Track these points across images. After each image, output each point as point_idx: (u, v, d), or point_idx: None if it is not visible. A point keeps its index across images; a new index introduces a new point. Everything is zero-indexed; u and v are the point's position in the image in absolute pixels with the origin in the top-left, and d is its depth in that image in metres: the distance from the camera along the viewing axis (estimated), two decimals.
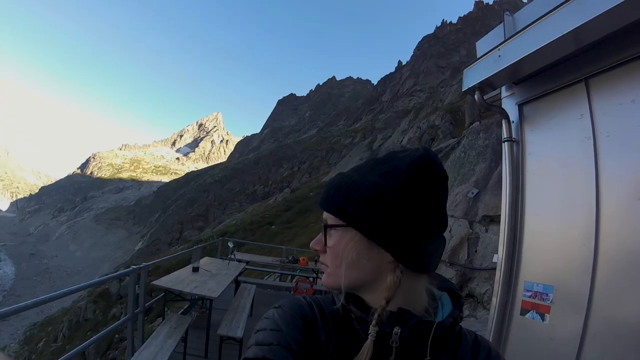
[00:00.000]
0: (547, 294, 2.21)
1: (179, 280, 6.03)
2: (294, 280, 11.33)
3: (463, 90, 2.80)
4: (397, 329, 0.77)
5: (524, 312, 2.36)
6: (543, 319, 2.20)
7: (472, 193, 7.17)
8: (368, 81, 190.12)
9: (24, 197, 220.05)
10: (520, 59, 2.15)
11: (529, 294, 2.35)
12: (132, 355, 4.39)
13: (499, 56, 2.34)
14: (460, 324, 0.87)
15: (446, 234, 7.16)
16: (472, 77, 2.67)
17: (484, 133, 7.86)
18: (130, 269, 5.12)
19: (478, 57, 2.65)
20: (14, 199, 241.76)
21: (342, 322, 0.85)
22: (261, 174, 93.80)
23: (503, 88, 2.84)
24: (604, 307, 1.87)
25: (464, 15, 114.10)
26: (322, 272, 0.86)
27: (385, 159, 0.84)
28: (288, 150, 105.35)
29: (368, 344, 0.76)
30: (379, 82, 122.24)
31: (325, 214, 0.84)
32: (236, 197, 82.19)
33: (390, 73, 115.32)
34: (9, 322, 43.93)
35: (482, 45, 2.88)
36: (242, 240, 20.51)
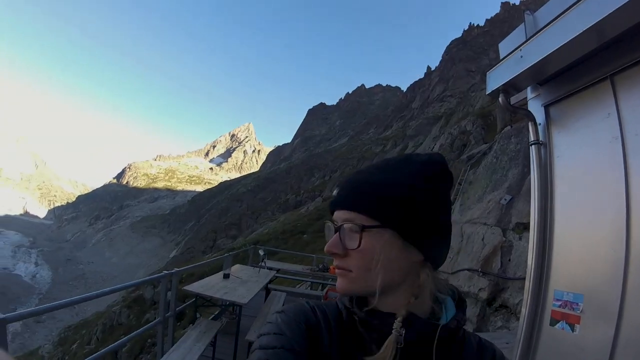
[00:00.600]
0: (576, 303, 2.12)
1: (209, 286, 6.16)
2: (324, 289, 11.28)
3: (487, 93, 2.75)
4: (402, 330, 0.78)
5: (553, 322, 2.26)
6: (573, 329, 2.10)
7: (505, 200, 6.98)
8: (397, 88, 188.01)
9: (62, 205, 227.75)
10: (542, 59, 2.08)
11: (559, 303, 2.25)
12: (162, 357, 4.49)
13: (521, 57, 2.28)
14: (463, 327, 0.88)
15: (479, 242, 6.97)
16: (495, 79, 2.62)
17: (515, 137, 7.66)
18: (162, 274, 5.30)
19: (501, 59, 2.60)
20: (52, 207, 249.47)
21: (345, 326, 0.86)
22: (293, 183, 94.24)
23: (529, 89, 2.76)
24: (635, 315, 1.77)
25: (491, 17, 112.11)
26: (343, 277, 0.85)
27: (408, 160, 0.87)
28: (319, 159, 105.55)
29: (391, 340, 0.77)
30: (408, 88, 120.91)
31: (350, 215, 0.82)
32: (268, 206, 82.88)
33: (420, 79, 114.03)
34: (44, 324, 45.51)
35: (504, 46, 2.81)
36: (274, 249, 20.60)
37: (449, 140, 26.42)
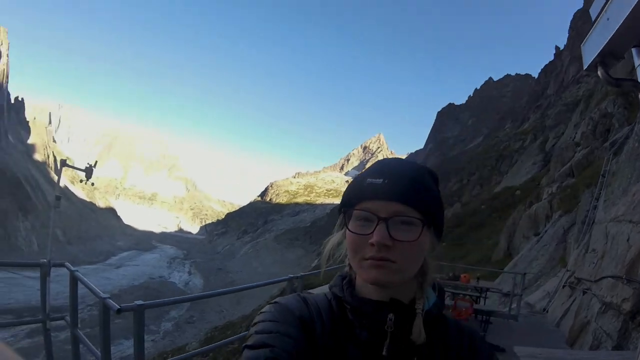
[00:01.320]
0: None
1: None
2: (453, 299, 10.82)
3: (585, 68, 2.31)
4: (391, 315, 0.86)
5: None
6: None
7: None
8: (528, 75, 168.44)
9: (212, 222, 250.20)
10: (630, 14, 1.65)
11: None
12: None
13: (607, 19, 1.85)
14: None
15: (624, 244, 6.02)
16: (590, 51, 2.17)
17: None
18: (287, 277, 5.94)
19: (592, 26, 2.16)
20: (203, 224, 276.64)
21: (335, 316, 0.92)
22: None
23: (635, 55, 2.25)
24: None
25: None
26: (381, 268, 0.85)
27: (417, 164, 0.96)
28: (455, 162, 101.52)
29: (420, 321, 0.88)
30: (539, 74, 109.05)
31: (405, 208, 0.85)
32: None
33: (550, 62, 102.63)
34: (194, 325, 50.32)
35: (594, 11, 2.33)
36: None
37: (591, 126, 23.46)
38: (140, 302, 3.20)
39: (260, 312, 0.89)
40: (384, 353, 0.85)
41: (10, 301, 49.68)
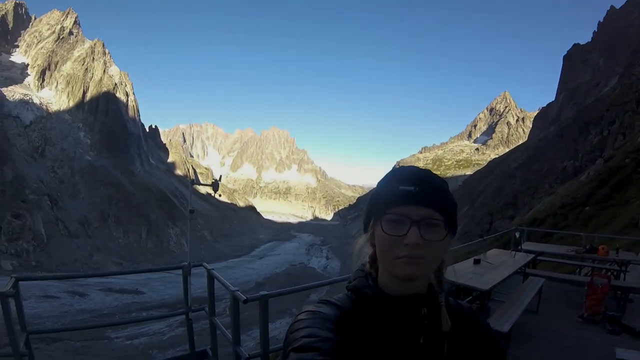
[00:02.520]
0: None
1: (456, 271, 6.36)
2: (588, 274, 9.82)
3: None
4: (425, 309, 1.06)
5: None
6: None
7: None
8: None
9: (344, 208, 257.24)
10: None
11: None
12: None
13: None
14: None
15: None
16: None
17: None
18: None
19: None
20: (336, 210, 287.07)
21: (366, 313, 1.07)
22: (568, 147, 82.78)
23: None
24: None
25: None
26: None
27: (441, 179, 1.11)
28: (592, 111, 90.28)
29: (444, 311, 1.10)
30: None
31: (435, 213, 1.02)
32: (545, 178, 75.35)
33: None
34: None
35: None
36: (546, 230, 19.21)
37: None
38: (264, 292, 3.65)
39: (299, 320, 1.02)
40: (421, 341, 1.03)
41: (165, 296, 57.42)
